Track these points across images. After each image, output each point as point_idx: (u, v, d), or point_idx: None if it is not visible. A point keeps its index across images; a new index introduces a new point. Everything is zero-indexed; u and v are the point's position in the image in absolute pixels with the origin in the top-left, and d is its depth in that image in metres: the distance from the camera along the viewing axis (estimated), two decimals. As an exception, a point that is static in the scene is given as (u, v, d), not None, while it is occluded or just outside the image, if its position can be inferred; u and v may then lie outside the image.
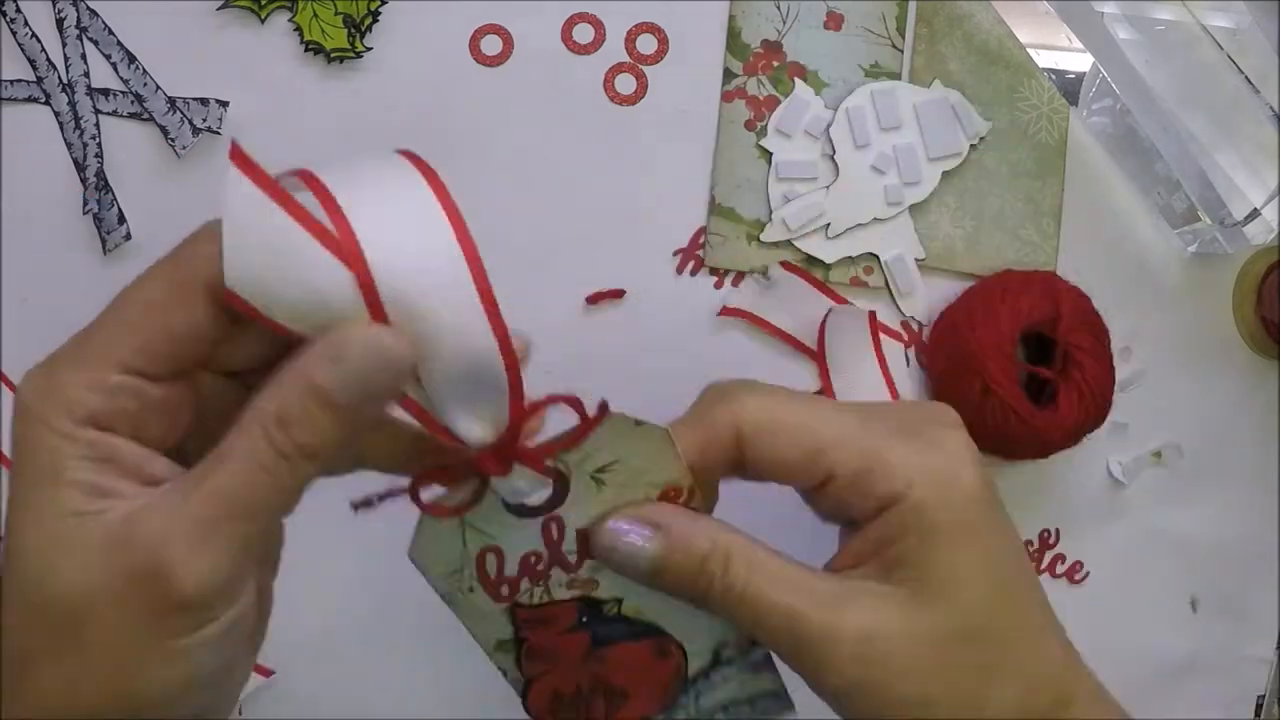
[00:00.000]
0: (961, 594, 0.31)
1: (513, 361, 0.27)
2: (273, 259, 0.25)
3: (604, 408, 0.30)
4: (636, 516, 0.32)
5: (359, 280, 0.25)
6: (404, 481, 0.30)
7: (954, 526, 0.31)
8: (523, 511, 0.32)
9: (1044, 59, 0.48)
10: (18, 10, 0.44)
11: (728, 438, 0.32)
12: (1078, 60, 0.49)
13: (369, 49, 0.44)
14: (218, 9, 0.44)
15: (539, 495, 0.32)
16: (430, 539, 0.32)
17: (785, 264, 0.46)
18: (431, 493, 0.31)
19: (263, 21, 0.44)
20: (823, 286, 0.47)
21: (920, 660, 0.31)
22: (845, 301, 0.47)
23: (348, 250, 0.25)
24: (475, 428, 0.28)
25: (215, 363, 0.28)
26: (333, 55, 0.44)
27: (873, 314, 0.46)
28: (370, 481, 0.31)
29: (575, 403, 0.29)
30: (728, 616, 0.32)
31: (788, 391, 0.33)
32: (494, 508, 0.32)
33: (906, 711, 0.31)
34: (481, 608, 0.34)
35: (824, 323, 0.46)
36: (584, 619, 0.35)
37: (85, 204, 0.44)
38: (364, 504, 0.31)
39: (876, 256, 0.47)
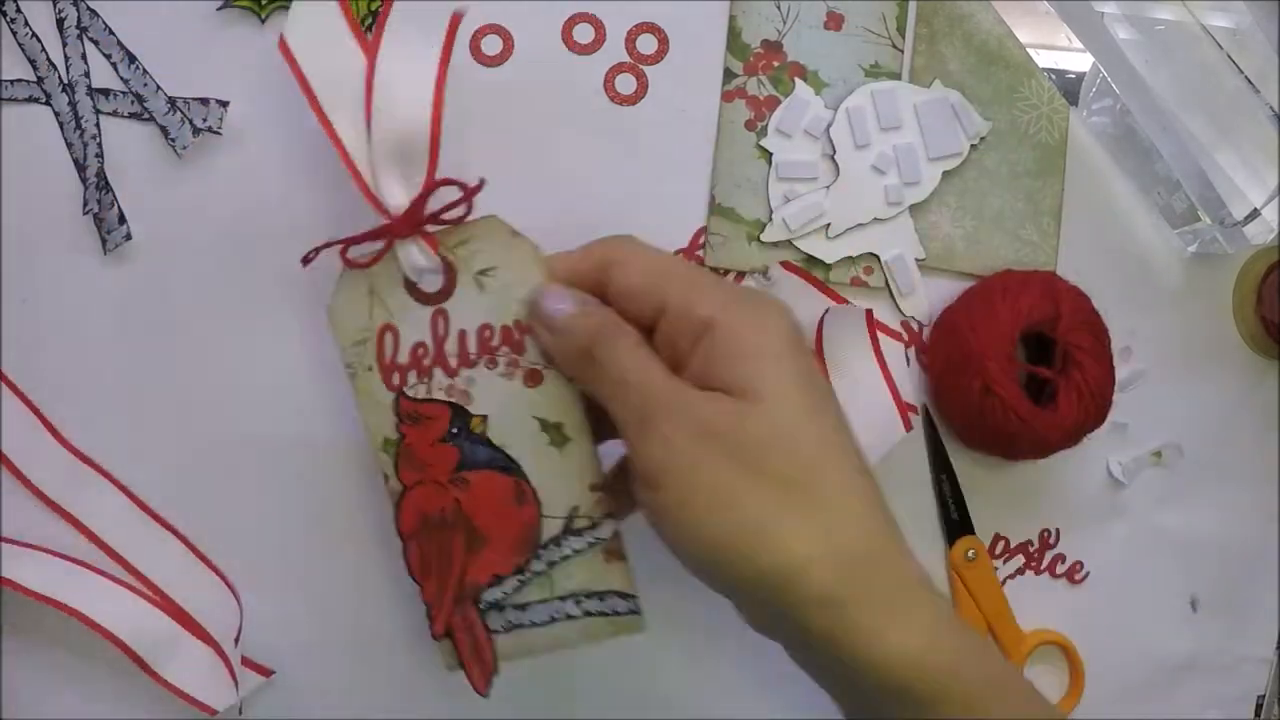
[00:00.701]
0: (780, 407, 0.34)
1: (436, 142, 0.36)
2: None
3: (482, 182, 0.37)
4: (566, 289, 0.38)
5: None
6: (338, 240, 0.38)
7: (763, 349, 0.34)
8: (418, 296, 0.38)
9: (1044, 59, 0.48)
10: (18, 10, 0.44)
11: (598, 264, 0.38)
12: (1078, 60, 0.49)
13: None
14: (218, 9, 0.44)
15: (433, 281, 0.38)
16: (346, 296, 0.39)
17: (785, 264, 0.46)
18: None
19: (263, 21, 0.44)
20: (823, 286, 0.47)
21: (736, 455, 0.33)
22: (845, 302, 0.47)
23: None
24: (396, 191, 0.37)
25: None
26: (333, 55, 0.44)
27: (869, 312, 0.46)
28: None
29: (463, 185, 0.37)
30: (599, 380, 0.36)
31: (656, 248, 0.38)
32: (396, 285, 0.38)
33: (713, 496, 0.33)
34: (376, 394, 0.39)
35: (821, 323, 0.46)
36: (455, 429, 0.39)
37: (85, 204, 0.44)
38: (306, 259, 0.39)
39: (877, 256, 0.47)
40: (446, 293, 0.38)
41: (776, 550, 0.33)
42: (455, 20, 0.36)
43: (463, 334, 0.38)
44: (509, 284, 0.38)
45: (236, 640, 0.44)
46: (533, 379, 0.39)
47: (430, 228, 0.38)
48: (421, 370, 0.38)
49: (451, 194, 0.37)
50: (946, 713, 0.33)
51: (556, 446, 0.39)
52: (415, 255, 0.38)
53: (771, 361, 0.34)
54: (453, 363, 0.38)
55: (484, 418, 0.39)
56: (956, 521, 0.48)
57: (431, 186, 0.37)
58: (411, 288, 0.38)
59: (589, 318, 0.37)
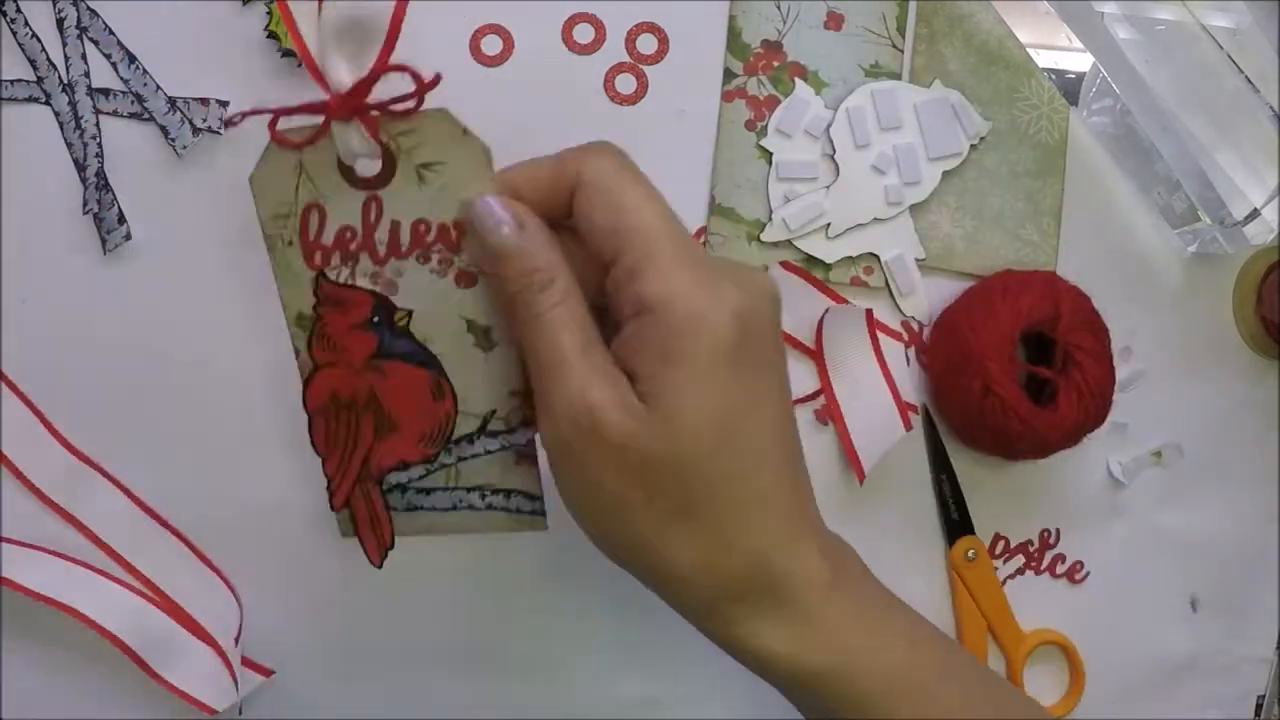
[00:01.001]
0: (683, 428, 0.32)
1: (396, 26, 0.34)
2: None
3: (437, 77, 0.34)
4: (510, 206, 0.34)
5: None
6: (269, 108, 0.35)
7: (685, 358, 0.32)
8: (352, 179, 0.36)
9: (1044, 59, 0.48)
10: (18, 10, 0.44)
11: (569, 180, 0.34)
12: (1078, 60, 0.49)
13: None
14: None
15: (369, 166, 0.36)
16: (270, 169, 0.37)
17: (784, 264, 0.46)
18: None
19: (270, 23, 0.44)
20: (822, 287, 0.47)
21: (625, 467, 0.32)
22: (845, 302, 0.47)
23: None
24: (341, 69, 0.34)
25: None
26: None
27: (869, 312, 0.46)
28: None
29: (417, 76, 0.34)
30: (518, 326, 0.35)
31: (641, 176, 0.34)
32: (329, 166, 0.36)
33: (602, 503, 0.33)
34: (294, 267, 0.38)
35: (821, 322, 0.46)
36: (375, 319, 0.38)
37: (85, 204, 0.44)
38: (229, 122, 0.38)
39: (877, 256, 0.47)
40: (383, 180, 0.37)
41: (662, 563, 0.34)
42: None
43: (395, 224, 0.37)
44: (452, 182, 0.37)
45: (237, 640, 0.44)
46: (466, 280, 0.38)
47: (375, 114, 0.36)
48: (346, 254, 0.38)
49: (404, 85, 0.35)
50: (850, 712, 0.34)
51: (482, 349, 0.38)
52: (352, 139, 0.36)
53: (691, 374, 0.32)
54: (381, 251, 0.38)
55: (409, 312, 0.38)
56: (956, 521, 0.48)
57: (380, 70, 0.35)
58: (346, 171, 0.37)
59: (517, 259, 0.34)
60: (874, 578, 0.37)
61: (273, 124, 0.36)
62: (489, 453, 0.40)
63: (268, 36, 0.44)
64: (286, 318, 0.38)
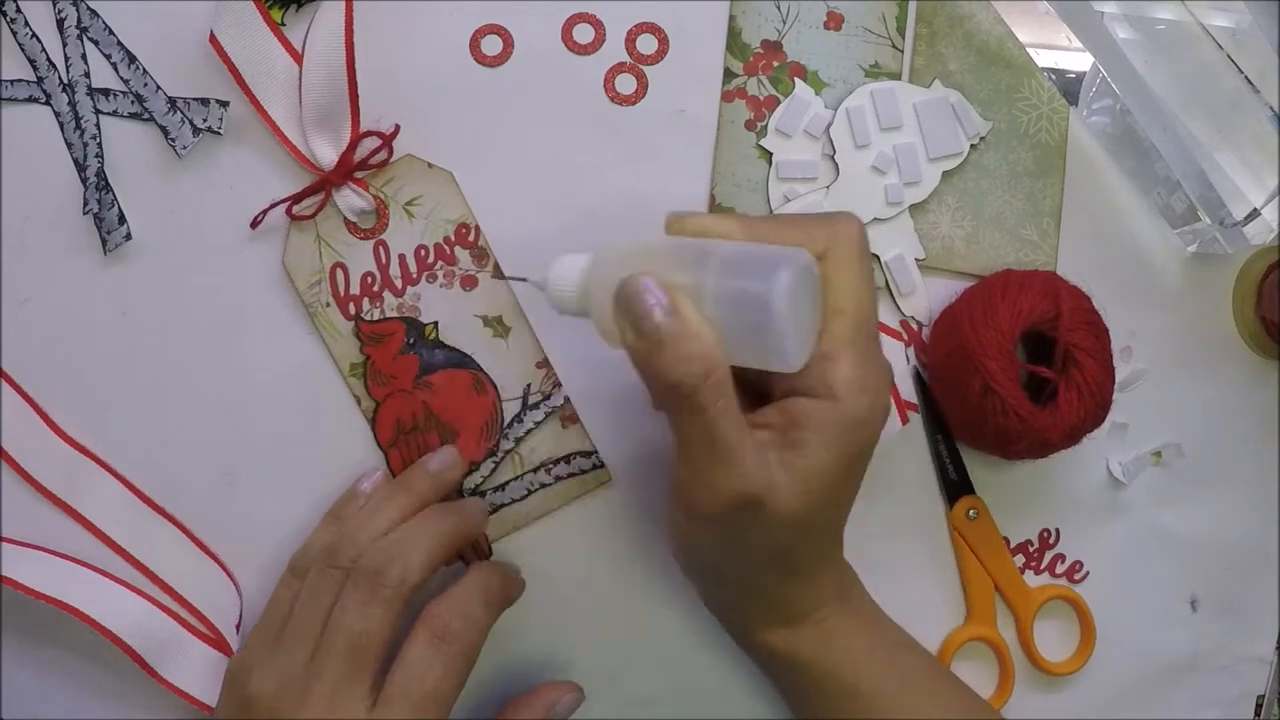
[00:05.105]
0: (814, 496, 0.36)
1: (354, 103, 0.42)
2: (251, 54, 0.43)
3: (396, 128, 0.43)
4: (664, 289, 0.34)
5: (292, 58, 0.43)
6: (283, 199, 0.43)
7: (846, 451, 0.36)
8: (358, 233, 0.44)
9: (1044, 59, 0.48)
10: (18, 10, 0.44)
11: (817, 249, 0.36)
12: (1078, 60, 0.49)
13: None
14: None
15: (368, 218, 0.44)
16: (296, 247, 0.44)
17: (785, 264, 0.46)
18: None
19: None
20: (823, 286, 0.47)
21: (767, 531, 0.36)
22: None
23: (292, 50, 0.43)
24: (326, 149, 0.43)
25: None
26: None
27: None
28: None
29: (381, 134, 0.43)
30: (673, 410, 0.35)
31: (866, 259, 0.37)
32: (340, 228, 0.44)
33: (715, 572, 0.40)
34: (337, 325, 0.44)
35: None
36: (411, 340, 0.44)
37: (85, 204, 0.44)
38: (255, 222, 0.43)
39: (877, 256, 0.47)
40: (382, 226, 0.44)
41: (750, 599, 0.41)
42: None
43: (402, 257, 0.44)
44: (433, 208, 0.44)
45: (238, 627, 0.44)
46: (468, 283, 0.44)
47: (359, 174, 0.43)
48: (373, 296, 0.44)
49: (373, 143, 0.43)
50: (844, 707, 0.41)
51: (501, 337, 0.45)
52: (352, 198, 0.43)
53: (841, 460, 0.36)
54: (398, 284, 0.44)
55: (435, 324, 0.44)
56: (956, 481, 0.48)
57: (357, 138, 0.43)
58: (352, 227, 0.44)
59: (672, 346, 0.33)
60: (868, 594, 0.43)
61: (289, 209, 0.43)
62: (537, 425, 0.45)
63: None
64: (341, 371, 0.44)
